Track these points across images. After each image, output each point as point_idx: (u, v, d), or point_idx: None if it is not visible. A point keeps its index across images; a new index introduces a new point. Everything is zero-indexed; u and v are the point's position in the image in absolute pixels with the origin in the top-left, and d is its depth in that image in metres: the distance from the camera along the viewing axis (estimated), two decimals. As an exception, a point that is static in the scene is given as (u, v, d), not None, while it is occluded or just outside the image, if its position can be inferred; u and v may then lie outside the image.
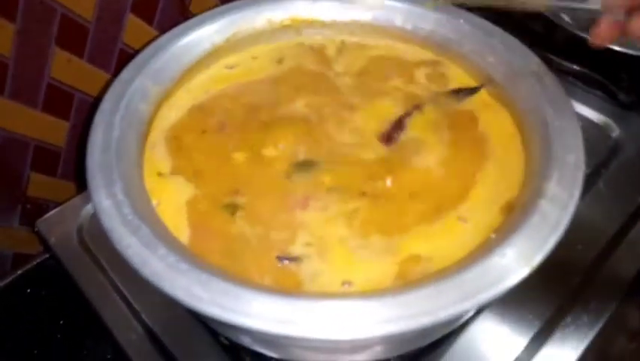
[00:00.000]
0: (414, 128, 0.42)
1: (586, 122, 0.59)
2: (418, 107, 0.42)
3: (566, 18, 0.65)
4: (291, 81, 0.46)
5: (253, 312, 0.28)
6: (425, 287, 0.29)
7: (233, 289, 0.29)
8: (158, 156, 0.40)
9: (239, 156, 0.40)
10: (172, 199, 0.37)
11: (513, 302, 0.45)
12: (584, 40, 0.57)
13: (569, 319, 0.44)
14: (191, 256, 0.31)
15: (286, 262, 0.34)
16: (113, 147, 0.35)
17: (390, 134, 0.40)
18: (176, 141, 0.40)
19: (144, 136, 0.39)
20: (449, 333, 0.41)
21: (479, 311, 0.43)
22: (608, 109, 0.59)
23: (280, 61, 0.47)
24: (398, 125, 0.41)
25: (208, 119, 0.43)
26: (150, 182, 0.37)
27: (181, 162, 0.40)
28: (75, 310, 0.52)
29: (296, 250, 0.35)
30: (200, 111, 0.43)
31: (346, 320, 0.28)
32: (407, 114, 0.41)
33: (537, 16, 0.62)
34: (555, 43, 0.62)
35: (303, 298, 0.29)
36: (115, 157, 0.34)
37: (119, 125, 0.36)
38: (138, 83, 0.39)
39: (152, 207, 0.35)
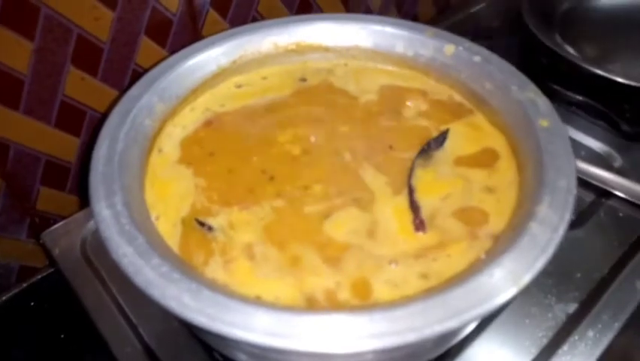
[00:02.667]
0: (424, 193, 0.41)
1: (589, 152, 0.59)
2: (411, 171, 0.42)
3: (570, 49, 0.66)
4: (297, 104, 0.47)
5: (241, 323, 0.28)
6: (412, 304, 0.30)
7: (223, 300, 0.29)
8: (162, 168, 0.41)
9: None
10: (170, 213, 0.38)
11: (511, 327, 0.44)
12: (587, 72, 0.59)
13: (565, 347, 0.43)
14: (183, 267, 0.31)
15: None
16: (116, 160, 0.36)
17: (419, 219, 0.39)
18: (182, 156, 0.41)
19: (147, 151, 0.40)
20: (446, 354, 0.41)
21: (476, 334, 0.43)
22: (611, 139, 0.59)
23: (291, 82, 0.48)
24: (415, 207, 0.39)
25: (208, 140, 0.44)
26: (150, 195, 0.38)
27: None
28: (76, 324, 0.53)
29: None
30: (204, 129, 0.44)
31: (333, 334, 0.29)
32: (411, 190, 0.40)
33: (541, 47, 0.64)
34: (559, 74, 0.63)
35: (292, 311, 0.30)
36: (117, 169, 0.36)
37: (124, 139, 0.38)
38: (145, 100, 0.41)
39: (150, 219, 0.36)
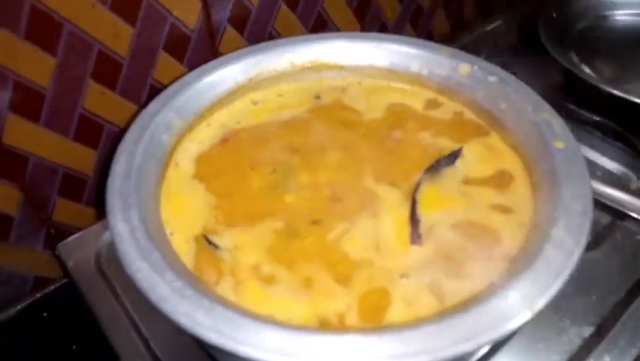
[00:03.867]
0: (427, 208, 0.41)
1: (604, 173, 0.59)
2: (417, 185, 0.42)
3: (586, 69, 0.66)
4: (309, 122, 0.47)
5: (252, 341, 0.28)
6: (425, 326, 0.29)
7: (235, 318, 0.29)
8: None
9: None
10: (184, 230, 0.38)
11: (523, 351, 0.44)
12: (604, 91, 0.58)
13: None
14: (196, 283, 0.32)
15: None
16: (134, 175, 0.37)
17: (416, 233, 0.39)
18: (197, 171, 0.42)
19: (164, 165, 0.41)
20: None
21: (488, 357, 0.43)
22: (627, 160, 0.59)
23: (306, 100, 0.49)
24: (415, 221, 0.40)
25: (222, 157, 0.44)
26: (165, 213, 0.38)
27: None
28: (89, 336, 0.53)
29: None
30: (219, 146, 0.44)
31: (345, 355, 0.28)
32: (414, 203, 0.40)
33: (557, 67, 0.63)
34: (575, 93, 0.63)
35: (304, 330, 0.30)
36: (134, 184, 0.36)
37: (142, 154, 0.38)
38: (162, 116, 0.41)
39: (165, 234, 0.36)
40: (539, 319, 0.44)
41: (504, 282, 0.32)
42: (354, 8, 0.70)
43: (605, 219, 0.54)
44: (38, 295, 0.59)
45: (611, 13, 0.76)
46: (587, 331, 0.45)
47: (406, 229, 0.39)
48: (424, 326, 0.29)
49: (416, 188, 0.41)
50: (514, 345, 0.44)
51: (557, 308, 0.46)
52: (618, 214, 0.53)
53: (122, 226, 0.33)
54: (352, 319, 0.34)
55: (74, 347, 0.55)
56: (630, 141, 0.60)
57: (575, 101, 0.63)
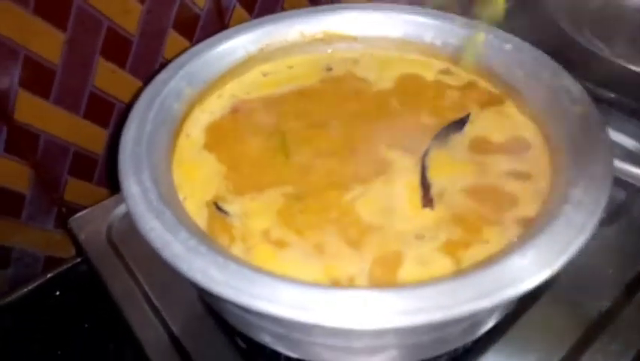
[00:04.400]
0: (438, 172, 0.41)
1: (621, 150, 0.58)
2: (426, 153, 0.41)
3: (601, 45, 0.65)
4: (319, 93, 0.47)
5: (267, 296, 0.28)
6: (442, 283, 0.29)
7: (249, 274, 0.29)
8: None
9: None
10: (197, 195, 0.38)
11: (536, 328, 0.43)
12: (620, 68, 0.57)
13: (597, 345, 0.42)
14: (210, 242, 0.31)
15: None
16: (145, 141, 0.36)
17: (427, 197, 0.38)
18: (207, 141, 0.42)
19: (175, 134, 0.40)
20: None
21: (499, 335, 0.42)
22: (644, 137, 0.58)
23: (316, 71, 0.48)
24: (425, 186, 0.39)
25: (232, 127, 0.44)
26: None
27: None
28: (100, 315, 0.53)
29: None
30: (229, 116, 0.44)
31: (360, 310, 0.28)
32: (423, 168, 0.40)
33: (571, 44, 0.63)
34: (590, 71, 0.62)
35: (319, 286, 0.29)
36: (146, 150, 0.36)
37: (152, 121, 0.38)
38: (173, 85, 0.41)
39: (178, 197, 0.36)
40: (555, 293, 0.45)
41: (522, 241, 0.31)
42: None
43: (621, 195, 0.53)
44: (50, 275, 0.59)
45: (626, -9, 0.75)
46: (604, 305, 0.44)
47: (418, 193, 0.38)
48: (441, 283, 0.29)
49: (425, 153, 0.41)
50: (529, 317, 0.44)
51: (573, 281, 0.45)
52: (635, 190, 0.52)
53: (135, 188, 0.33)
54: (364, 280, 0.33)
55: (86, 326, 0.55)
56: (648, 118, 0.59)
57: (590, 79, 0.62)
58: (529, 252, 0.30)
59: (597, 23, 0.70)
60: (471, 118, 0.44)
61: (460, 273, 0.30)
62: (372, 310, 0.28)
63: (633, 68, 0.57)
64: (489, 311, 0.35)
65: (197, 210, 0.37)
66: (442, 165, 0.40)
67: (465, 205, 0.37)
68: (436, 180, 0.39)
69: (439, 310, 0.28)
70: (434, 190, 0.39)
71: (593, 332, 0.43)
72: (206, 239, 0.32)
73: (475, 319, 0.35)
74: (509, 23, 0.55)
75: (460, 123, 0.43)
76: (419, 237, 0.35)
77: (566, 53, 0.64)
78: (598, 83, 0.62)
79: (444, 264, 0.34)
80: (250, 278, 0.29)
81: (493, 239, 0.35)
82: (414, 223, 0.36)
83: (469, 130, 0.43)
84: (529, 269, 0.29)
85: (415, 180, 0.39)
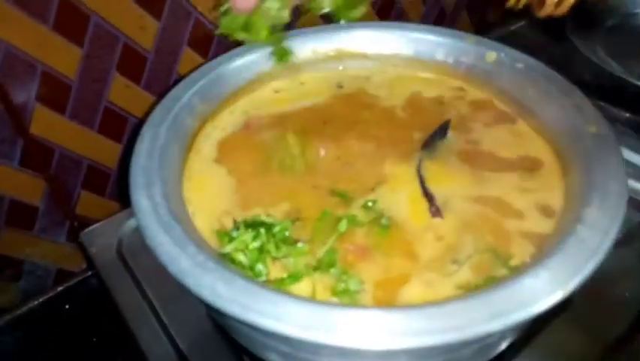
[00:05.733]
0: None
1: (635, 170, 0.57)
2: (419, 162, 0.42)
3: (614, 64, 0.64)
4: (329, 110, 0.47)
5: (274, 313, 0.27)
6: (454, 303, 0.28)
7: (257, 290, 0.29)
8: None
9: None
10: (206, 210, 0.38)
11: (549, 353, 0.42)
12: (634, 87, 0.57)
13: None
14: (219, 257, 0.31)
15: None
16: (157, 155, 0.37)
17: (434, 207, 0.39)
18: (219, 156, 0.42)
19: (187, 149, 0.41)
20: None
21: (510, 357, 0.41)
22: (659, 156, 0.57)
23: (327, 88, 0.48)
24: (428, 196, 0.40)
25: (243, 143, 0.44)
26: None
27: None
28: (109, 329, 0.53)
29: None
30: (241, 132, 0.44)
31: (370, 330, 0.27)
32: (421, 178, 0.41)
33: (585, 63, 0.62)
34: (604, 90, 0.61)
35: (327, 304, 0.29)
36: (158, 163, 0.36)
37: (165, 135, 0.38)
38: (186, 100, 0.41)
39: (187, 212, 0.36)
40: (569, 316, 0.44)
41: (535, 261, 0.30)
42: (377, 9, 0.70)
43: (636, 217, 0.52)
44: (60, 288, 0.59)
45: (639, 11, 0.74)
46: (620, 329, 0.43)
47: (421, 204, 0.39)
48: (453, 303, 0.28)
49: (419, 164, 0.41)
50: (541, 341, 0.43)
51: (587, 304, 0.44)
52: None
53: (145, 202, 0.33)
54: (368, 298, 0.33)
55: (95, 340, 0.55)
56: (660, 137, 0.58)
57: (605, 98, 0.61)
58: (542, 273, 0.29)
59: (611, 44, 0.70)
60: (475, 135, 0.44)
61: (472, 293, 0.29)
62: (382, 330, 0.27)
63: (647, 87, 0.56)
64: (500, 334, 0.34)
65: (205, 225, 0.37)
66: (438, 175, 0.41)
67: (474, 214, 0.37)
68: (437, 190, 0.40)
69: (451, 331, 0.27)
70: (438, 200, 0.39)
71: (610, 356, 0.42)
72: (214, 254, 0.32)
73: (485, 341, 0.34)
74: (521, 42, 0.55)
75: (442, 129, 0.44)
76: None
77: (580, 74, 0.64)
78: (612, 102, 0.61)
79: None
80: (258, 295, 0.28)
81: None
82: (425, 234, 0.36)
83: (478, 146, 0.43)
84: (542, 290, 0.29)
85: (416, 190, 0.40)
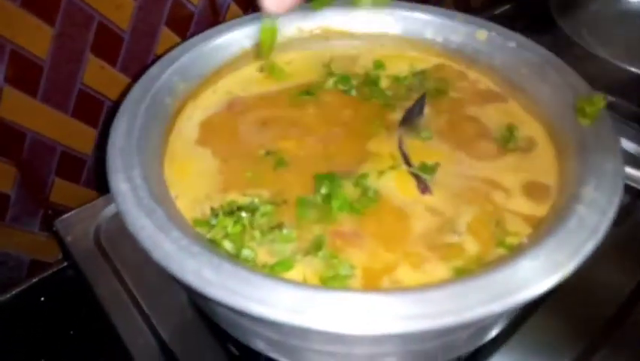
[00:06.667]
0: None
1: (623, 153, 0.57)
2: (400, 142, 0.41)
3: (601, 49, 0.64)
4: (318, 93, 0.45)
5: (263, 298, 0.26)
6: (451, 286, 0.27)
7: (245, 274, 0.27)
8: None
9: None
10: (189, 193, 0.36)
11: (540, 335, 0.42)
12: (621, 70, 0.57)
13: (604, 352, 0.40)
14: (204, 240, 0.29)
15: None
16: (136, 135, 0.35)
17: (422, 184, 0.38)
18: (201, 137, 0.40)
19: (167, 130, 0.39)
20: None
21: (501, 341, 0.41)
22: (646, 139, 0.57)
23: (314, 68, 0.47)
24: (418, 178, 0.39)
25: (227, 123, 0.42)
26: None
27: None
28: (86, 321, 0.51)
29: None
30: (224, 112, 0.42)
31: (362, 314, 0.26)
32: (405, 156, 0.40)
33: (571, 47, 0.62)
34: (589, 73, 0.61)
35: (317, 288, 0.28)
36: (136, 144, 0.34)
37: (144, 115, 0.36)
38: (166, 79, 0.39)
39: (169, 195, 0.34)
40: (559, 299, 0.44)
41: (533, 242, 0.30)
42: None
43: (625, 198, 0.52)
44: (35, 280, 0.57)
45: (625, -5, 0.75)
46: (609, 312, 0.43)
47: (409, 182, 0.38)
48: (448, 286, 0.27)
49: (400, 142, 0.40)
50: (532, 324, 0.42)
51: (576, 287, 0.44)
52: (637, 194, 0.51)
53: (124, 186, 0.31)
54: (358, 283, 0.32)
55: (72, 333, 0.53)
56: (648, 121, 0.58)
57: (591, 82, 0.61)
58: (541, 254, 0.29)
59: (596, 27, 0.70)
60: (464, 113, 0.42)
61: (470, 275, 0.28)
62: (376, 314, 0.26)
63: (631, 69, 0.56)
64: (497, 317, 0.33)
65: (189, 208, 0.35)
66: (420, 152, 0.40)
67: (463, 189, 0.37)
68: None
69: (449, 314, 0.26)
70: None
71: (599, 339, 0.42)
72: (199, 238, 0.30)
73: (481, 325, 0.33)
74: (505, 26, 0.54)
75: (418, 105, 0.43)
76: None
77: (565, 57, 0.64)
78: (598, 86, 0.61)
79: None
80: (246, 279, 0.27)
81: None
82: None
83: (442, 117, 0.42)
84: (541, 272, 0.28)
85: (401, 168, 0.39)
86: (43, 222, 0.56)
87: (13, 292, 0.55)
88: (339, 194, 0.36)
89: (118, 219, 0.31)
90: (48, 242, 0.57)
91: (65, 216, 0.50)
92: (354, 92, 0.45)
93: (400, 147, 0.40)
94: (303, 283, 0.28)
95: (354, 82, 0.46)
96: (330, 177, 0.38)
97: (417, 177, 0.38)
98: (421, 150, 0.40)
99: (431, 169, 0.38)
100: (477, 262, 0.32)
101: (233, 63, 0.45)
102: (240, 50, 0.45)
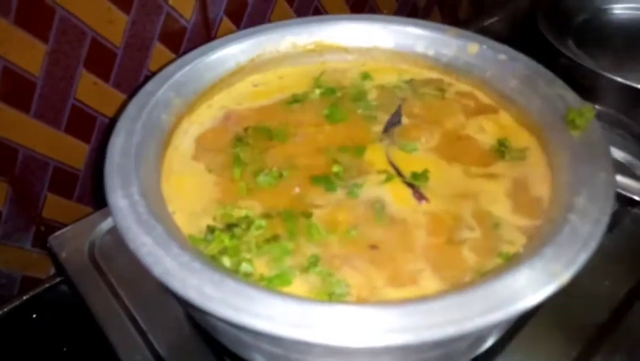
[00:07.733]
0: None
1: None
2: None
3: (586, 58, 0.65)
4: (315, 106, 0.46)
5: (266, 314, 0.26)
6: (448, 297, 0.28)
7: (247, 290, 0.27)
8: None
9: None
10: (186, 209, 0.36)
11: (535, 343, 0.42)
12: (607, 79, 0.58)
13: (598, 358, 0.41)
14: (204, 257, 0.30)
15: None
16: (133, 152, 0.35)
17: (418, 193, 0.39)
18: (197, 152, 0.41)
19: (164, 145, 0.39)
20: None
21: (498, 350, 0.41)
22: (632, 147, 0.58)
23: (306, 82, 0.47)
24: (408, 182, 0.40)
25: (222, 138, 0.43)
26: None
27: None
28: (79, 338, 0.51)
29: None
30: (219, 127, 0.43)
31: (360, 327, 0.26)
32: (394, 166, 0.41)
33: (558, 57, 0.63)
34: (576, 84, 0.62)
35: (317, 303, 0.28)
36: (134, 161, 0.34)
37: (140, 132, 0.36)
38: (162, 95, 0.39)
39: (167, 211, 0.34)
40: (552, 306, 0.44)
41: (530, 252, 0.30)
42: (350, 4, 0.69)
43: (615, 206, 0.53)
44: (26, 297, 0.56)
45: (609, 7, 0.76)
46: (602, 318, 0.43)
47: (404, 192, 0.38)
48: (446, 297, 0.28)
49: (387, 152, 0.41)
50: (527, 333, 0.43)
51: (569, 294, 0.45)
52: (627, 201, 0.52)
53: (123, 202, 0.31)
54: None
55: (65, 350, 0.52)
56: (634, 129, 0.59)
57: (579, 91, 0.62)
58: (537, 263, 0.29)
59: (582, 38, 0.71)
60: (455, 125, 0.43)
61: (468, 286, 0.29)
62: (375, 327, 0.26)
63: (621, 79, 0.57)
64: (494, 327, 0.34)
65: (187, 224, 0.35)
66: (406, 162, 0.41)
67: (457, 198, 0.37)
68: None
69: (448, 325, 0.26)
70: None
71: (593, 345, 0.42)
72: (199, 254, 0.30)
73: (478, 335, 0.33)
74: (493, 37, 0.55)
75: (395, 116, 0.44)
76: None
77: (552, 68, 0.65)
78: (585, 95, 0.62)
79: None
80: (248, 295, 0.27)
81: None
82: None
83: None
84: (538, 281, 0.28)
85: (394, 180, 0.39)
86: (36, 239, 0.56)
87: (5, 310, 0.55)
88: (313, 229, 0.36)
89: (112, 234, 0.31)
90: (40, 258, 0.56)
91: (59, 232, 0.49)
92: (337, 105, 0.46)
93: (389, 159, 0.40)
94: (305, 298, 0.28)
95: (339, 94, 0.46)
96: (325, 179, 0.39)
97: (410, 186, 0.38)
98: (410, 161, 0.41)
99: (423, 177, 0.39)
100: (476, 273, 0.33)
101: (229, 78, 0.45)
102: (235, 65, 0.45)
